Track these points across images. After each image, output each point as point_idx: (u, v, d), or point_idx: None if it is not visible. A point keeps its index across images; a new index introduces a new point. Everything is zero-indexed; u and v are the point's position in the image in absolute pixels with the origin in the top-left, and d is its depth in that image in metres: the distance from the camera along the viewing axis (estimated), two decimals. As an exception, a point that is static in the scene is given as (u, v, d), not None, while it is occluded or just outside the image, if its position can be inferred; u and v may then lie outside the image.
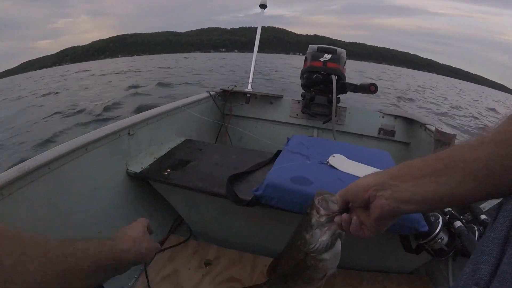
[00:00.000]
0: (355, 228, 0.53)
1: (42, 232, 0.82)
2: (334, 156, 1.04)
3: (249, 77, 2.28)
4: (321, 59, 1.81)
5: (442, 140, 1.47)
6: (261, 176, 1.00)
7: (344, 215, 0.54)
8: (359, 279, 1.16)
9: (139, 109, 6.40)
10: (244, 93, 2.10)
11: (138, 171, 1.13)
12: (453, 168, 0.40)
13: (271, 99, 2.12)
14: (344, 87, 1.81)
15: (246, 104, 2.11)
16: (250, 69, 2.34)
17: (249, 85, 2.20)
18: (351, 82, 1.82)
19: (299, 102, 2.06)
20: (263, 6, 2.46)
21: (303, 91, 1.99)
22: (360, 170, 0.98)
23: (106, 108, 7.17)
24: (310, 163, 1.03)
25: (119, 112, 6.82)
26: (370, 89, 1.68)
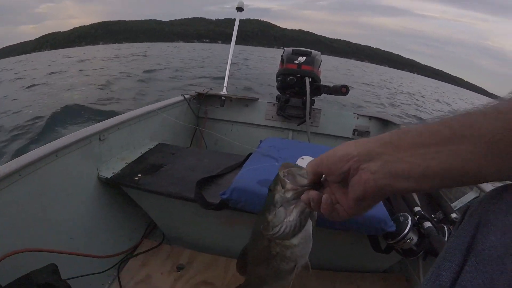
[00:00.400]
0: (327, 209, 0.44)
1: (14, 238, 0.82)
2: (302, 158, 1.04)
3: (224, 80, 2.28)
4: (296, 62, 1.82)
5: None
6: (232, 179, 1.00)
7: (312, 193, 0.45)
8: (332, 279, 1.17)
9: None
10: (219, 96, 2.09)
11: (109, 176, 1.11)
12: (463, 136, 0.31)
13: (247, 102, 2.12)
14: (319, 89, 1.84)
15: (221, 107, 2.10)
16: (226, 72, 2.33)
17: (224, 88, 2.21)
18: (325, 84, 1.84)
19: (274, 105, 2.07)
20: (240, 9, 2.46)
21: (279, 93, 2.00)
22: None
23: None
24: (278, 166, 1.03)
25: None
26: (341, 91, 1.72)
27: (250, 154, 1.19)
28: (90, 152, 1.11)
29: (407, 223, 0.88)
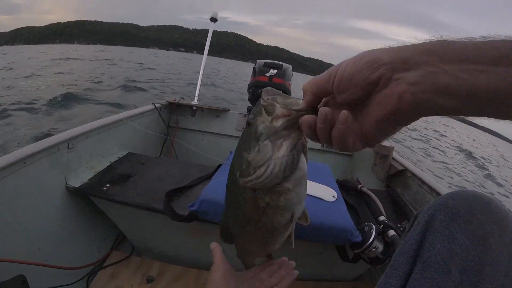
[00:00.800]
0: (344, 132, 0.33)
1: None
2: None
3: (195, 90, 2.29)
4: (267, 74, 1.87)
5: (381, 152, 1.57)
6: (200, 190, 1.01)
7: (325, 109, 0.32)
8: (302, 288, 1.17)
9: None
10: (190, 106, 2.09)
11: (77, 186, 1.09)
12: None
13: (218, 112, 2.13)
14: None
15: (192, 117, 2.10)
16: (197, 82, 2.34)
17: (196, 98, 2.21)
18: (296, 98, 1.92)
19: (245, 116, 2.09)
20: (214, 19, 2.50)
21: (250, 105, 2.04)
22: None
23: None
24: None
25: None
26: None
27: (220, 165, 1.20)
28: (59, 160, 1.09)
29: (372, 232, 0.91)
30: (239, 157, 0.41)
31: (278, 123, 0.36)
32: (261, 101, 0.38)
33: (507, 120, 0.29)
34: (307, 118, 0.34)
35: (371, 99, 0.31)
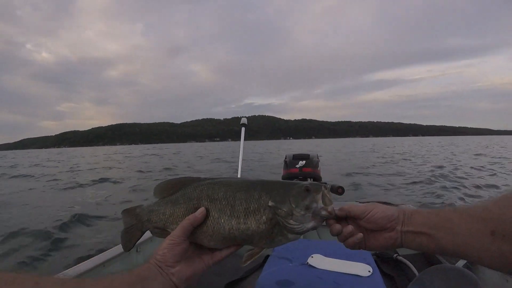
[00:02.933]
0: (357, 242, 0.60)
1: None
2: (312, 257, 1.19)
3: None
4: (297, 166, 2.11)
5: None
6: (253, 280, 1.15)
7: (350, 227, 0.60)
8: None
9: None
10: None
11: None
12: (454, 233, 0.52)
13: None
14: None
15: None
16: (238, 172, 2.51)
17: None
18: (325, 182, 2.09)
19: None
20: (244, 125, 2.69)
21: None
22: (338, 266, 1.12)
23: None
24: (292, 266, 1.18)
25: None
26: (338, 191, 1.83)
27: (267, 256, 1.33)
28: (129, 262, 1.33)
29: None
30: (294, 201, 0.59)
31: (322, 212, 0.58)
32: (326, 191, 0.60)
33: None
34: (338, 226, 0.61)
35: (382, 233, 0.60)
